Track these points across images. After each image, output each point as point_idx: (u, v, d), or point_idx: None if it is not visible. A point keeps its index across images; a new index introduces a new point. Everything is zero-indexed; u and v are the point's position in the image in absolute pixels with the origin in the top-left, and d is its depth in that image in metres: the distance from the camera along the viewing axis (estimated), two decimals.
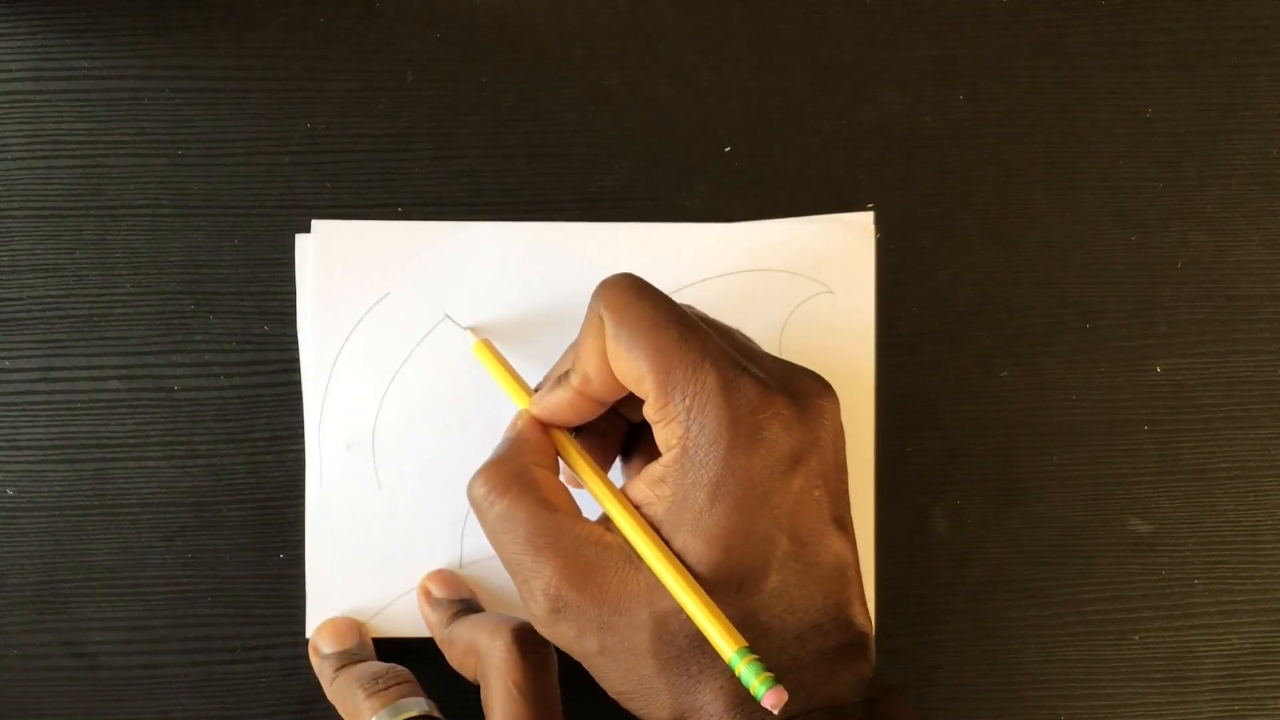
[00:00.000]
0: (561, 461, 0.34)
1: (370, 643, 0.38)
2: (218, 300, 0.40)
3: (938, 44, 0.41)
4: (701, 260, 0.40)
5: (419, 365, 0.39)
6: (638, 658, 0.29)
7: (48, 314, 0.40)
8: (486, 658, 0.34)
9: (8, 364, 0.40)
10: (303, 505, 0.39)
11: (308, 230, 0.40)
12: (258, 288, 0.40)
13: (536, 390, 0.35)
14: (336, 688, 0.36)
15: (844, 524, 0.31)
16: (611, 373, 0.31)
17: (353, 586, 0.39)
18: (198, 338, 0.40)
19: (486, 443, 0.39)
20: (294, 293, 0.40)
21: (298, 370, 0.39)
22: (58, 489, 0.39)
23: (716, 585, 0.29)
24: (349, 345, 0.39)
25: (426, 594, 0.38)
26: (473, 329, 0.39)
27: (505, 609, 0.39)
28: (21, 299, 0.40)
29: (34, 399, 0.39)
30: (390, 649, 0.39)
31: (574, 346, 0.33)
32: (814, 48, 0.41)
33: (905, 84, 0.41)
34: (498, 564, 0.39)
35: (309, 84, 0.40)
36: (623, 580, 0.30)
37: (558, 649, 0.32)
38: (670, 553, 0.29)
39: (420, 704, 0.35)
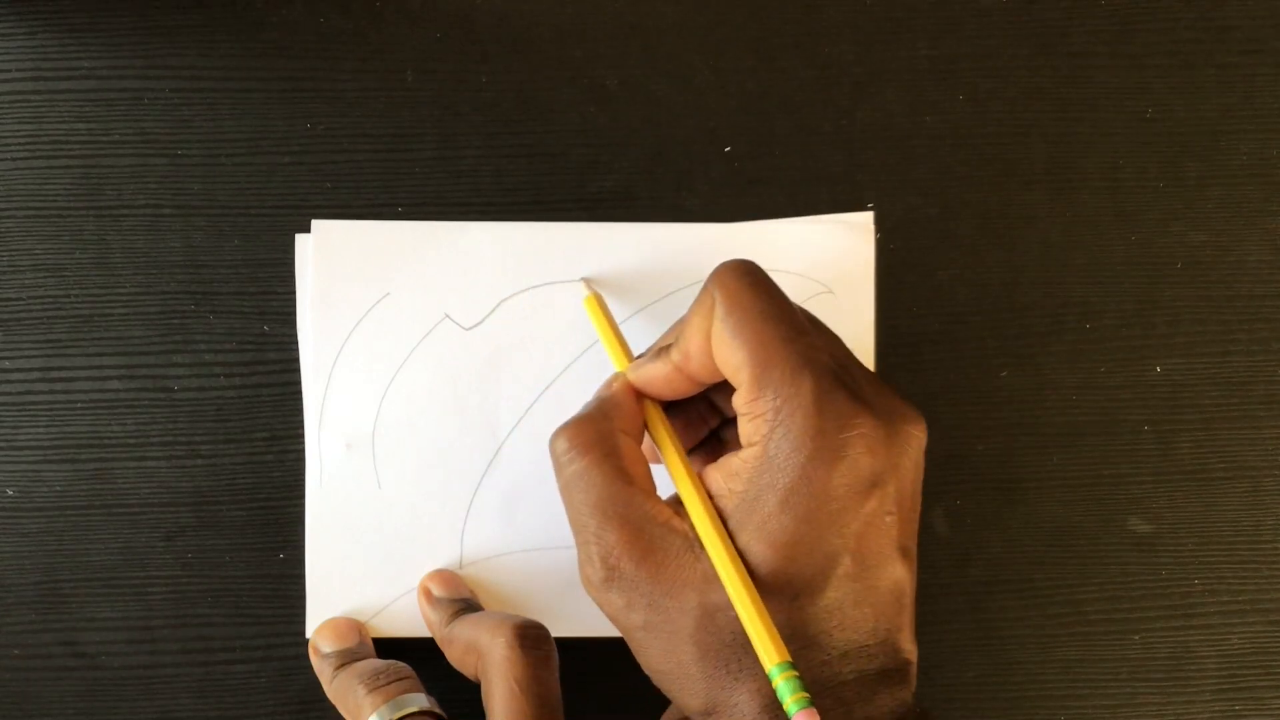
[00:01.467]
0: (647, 435, 0.34)
1: (370, 642, 0.38)
2: (218, 300, 0.40)
3: (938, 44, 0.41)
4: (701, 260, 0.40)
5: (419, 365, 0.39)
6: (680, 642, 0.29)
7: (48, 314, 0.40)
8: (487, 655, 0.34)
9: (8, 364, 0.40)
10: (303, 505, 0.39)
11: (308, 230, 0.40)
12: (258, 288, 0.40)
13: (639, 358, 0.34)
14: (337, 686, 0.36)
15: (909, 553, 0.31)
16: (711, 355, 0.31)
17: (353, 586, 0.39)
18: (198, 338, 0.40)
19: (487, 442, 0.39)
20: (294, 293, 0.40)
21: (298, 370, 0.39)
22: (58, 489, 0.39)
23: (772, 590, 0.29)
24: (349, 345, 0.39)
25: (426, 594, 0.38)
26: (587, 280, 0.39)
27: (505, 608, 0.39)
28: (21, 299, 0.40)
29: (34, 399, 0.39)
30: (390, 649, 0.39)
31: (682, 321, 0.32)
32: (814, 48, 0.41)
33: (905, 84, 0.41)
34: (498, 564, 0.39)
35: (309, 84, 0.40)
36: (680, 565, 0.30)
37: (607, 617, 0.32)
38: (732, 548, 0.29)
39: (421, 700, 0.35)
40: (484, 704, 0.34)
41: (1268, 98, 0.41)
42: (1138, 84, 0.41)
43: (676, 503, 0.31)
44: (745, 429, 0.30)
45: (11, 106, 0.40)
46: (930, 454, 0.41)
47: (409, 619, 0.39)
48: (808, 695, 0.27)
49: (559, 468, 0.32)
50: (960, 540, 0.41)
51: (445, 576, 0.39)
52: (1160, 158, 0.41)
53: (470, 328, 0.39)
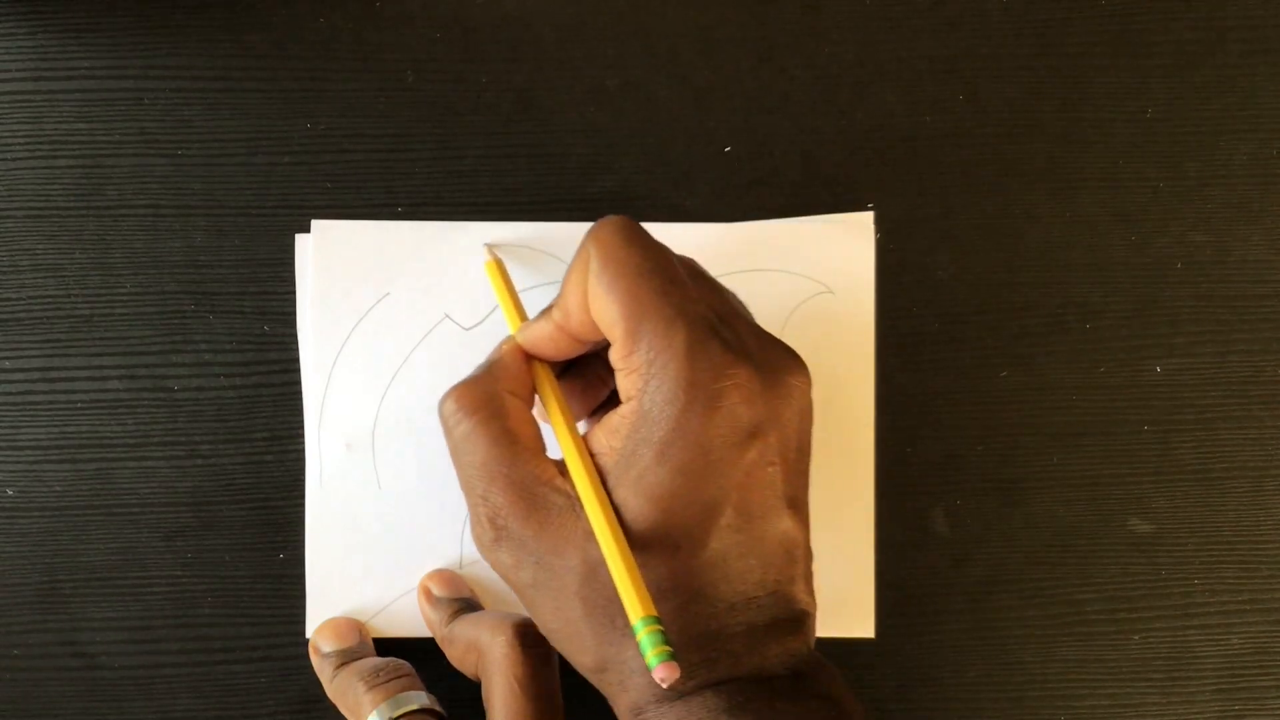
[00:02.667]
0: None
1: (370, 642, 0.38)
2: (218, 300, 0.40)
3: (938, 44, 0.41)
4: (701, 260, 0.40)
5: (419, 365, 0.39)
6: (567, 599, 0.29)
7: (48, 314, 0.40)
8: (487, 654, 0.34)
9: (8, 364, 0.40)
10: (303, 505, 0.39)
11: (308, 230, 0.40)
12: (258, 288, 0.40)
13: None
14: (337, 685, 0.36)
15: (797, 504, 0.31)
16: (590, 312, 0.31)
17: (353, 586, 0.39)
18: (198, 338, 0.40)
19: None
20: (294, 293, 0.40)
21: (298, 370, 0.39)
22: (58, 489, 0.39)
23: (651, 543, 0.29)
24: (349, 345, 0.39)
25: (427, 593, 0.38)
26: (490, 245, 0.39)
27: (505, 608, 0.39)
28: (21, 299, 0.40)
29: (34, 399, 0.39)
30: (390, 649, 0.39)
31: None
32: (814, 48, 0.41)
33: (905, 84, 0.41)
34: None
35: (309, 84, 0.40)
36: (563, 523, 0.30)
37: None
38: (607, 505, 0.29)
39: (421, 697, 0.35)
40: (484, 703, 0.34)
41: (1268, 98, 0.41)
42: (1138, 84, 0.41)
43: (564, 464, 0.31)
44: (622, 384, 0.30)
45: (11, 106, 0.40)
46: (930, 454, 0.41)
47: (409, 619, 0.39)
48: (669, 649, 0.27)
49: (447, 430, 0.32)
50: (960, 540, 0.41)
51: (445, 576, 0.39)
52: (1160, 158, 0.41)
53: (470, 328, 0.39)
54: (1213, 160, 0.41)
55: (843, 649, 0.40)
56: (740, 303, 0.34)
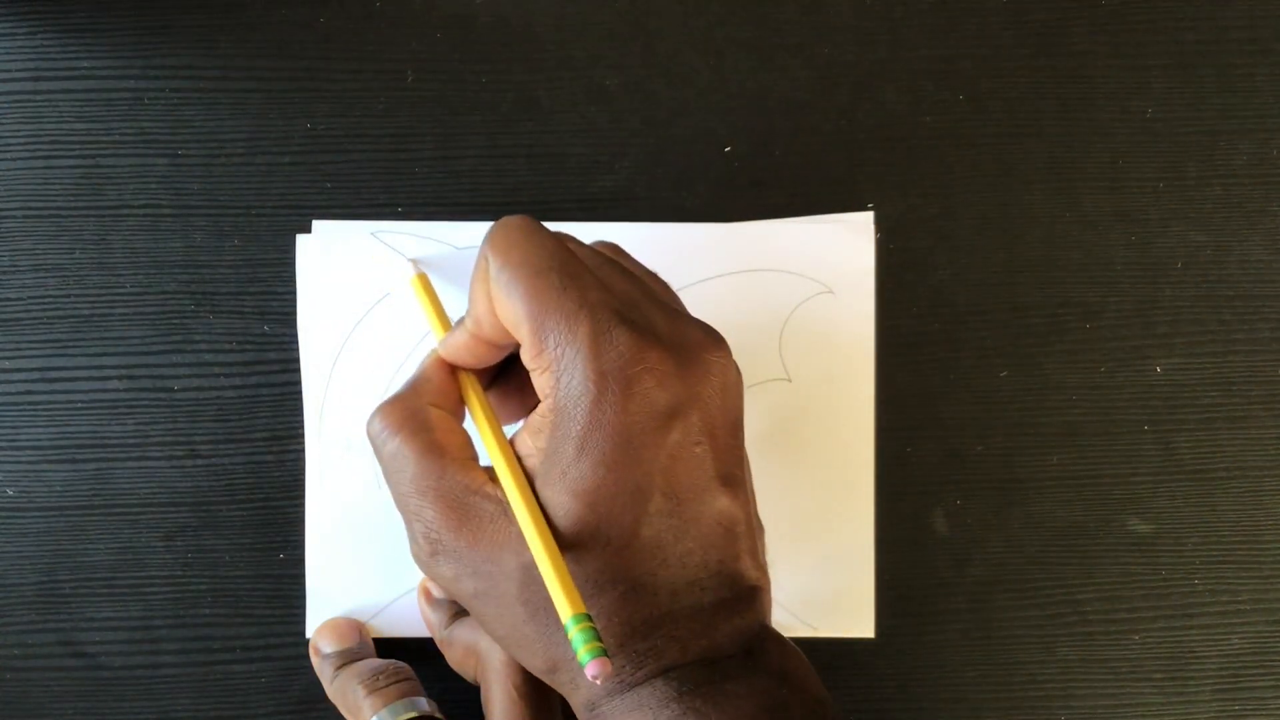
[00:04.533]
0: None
1: (371, 642, 0.38)
2: (218, 300, 0.40)
3: (938, 44, 0.41)
4: (701, 260, 0.40)
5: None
6: (509, 605, 0.29)
7: (48, 314, 0.40)
8: (486, 660, 0.34)
9: (8, 364, 0.40)
10: (303, 505, 0.39)
11: (308, 230, 0.40)
12: (258, 288, 0.40)
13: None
14: (337, 686, 0.36)
15: (732, 481, 0.30)
16: (497, 316, 0.30)
17: (353, 586, 0.39)
18: (198, 338, 0.40)
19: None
20: (294, 293, 0.40)
21: (298, 370, 0.39)
22: (58, 489, 0.39)
23: (581, 539, 0.28)
24: (349, 345, 0.39)
25: (427, 594, 0.38)
26: (415, 260, 0.39)
27: None
28: (21, 299, 0.40)
29: (34, 399, 0.39)
30: (390, 649, 0.39)
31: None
32: (814, 48, 0.41)
33: (905, 84, 0.41)
34: None
35: (309, 84, 0.40)
36: (496, 529, 0.29)
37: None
38: (534, 506, 0.29)
39: (421, 704, 0.35)
40: (483, 708, 0.34)
41: (1268, 98, 0.41)
42: (1138, 84, 0.41)
43: (493, 471, 0.31)
44: (538, 384, 0.30)
45: (11, 106, 0.40)
46: (930, 454, 0.41)
47: (409, 619, 0.39)
48: (599, 645, 0.26)
49: (376, 450, 0.32)
50: (960, 540, 0.41)
51: None
52: (1160, 158, 0.41)
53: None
54: (1213, 160, 0.41)
55: (843, 649, 0.40)
56: (661, 285, 0.33)
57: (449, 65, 0.40)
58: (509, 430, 0.32)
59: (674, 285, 0.39)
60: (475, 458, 0.31)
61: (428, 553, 0.30)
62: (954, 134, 0.41)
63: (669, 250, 0.40)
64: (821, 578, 0.40)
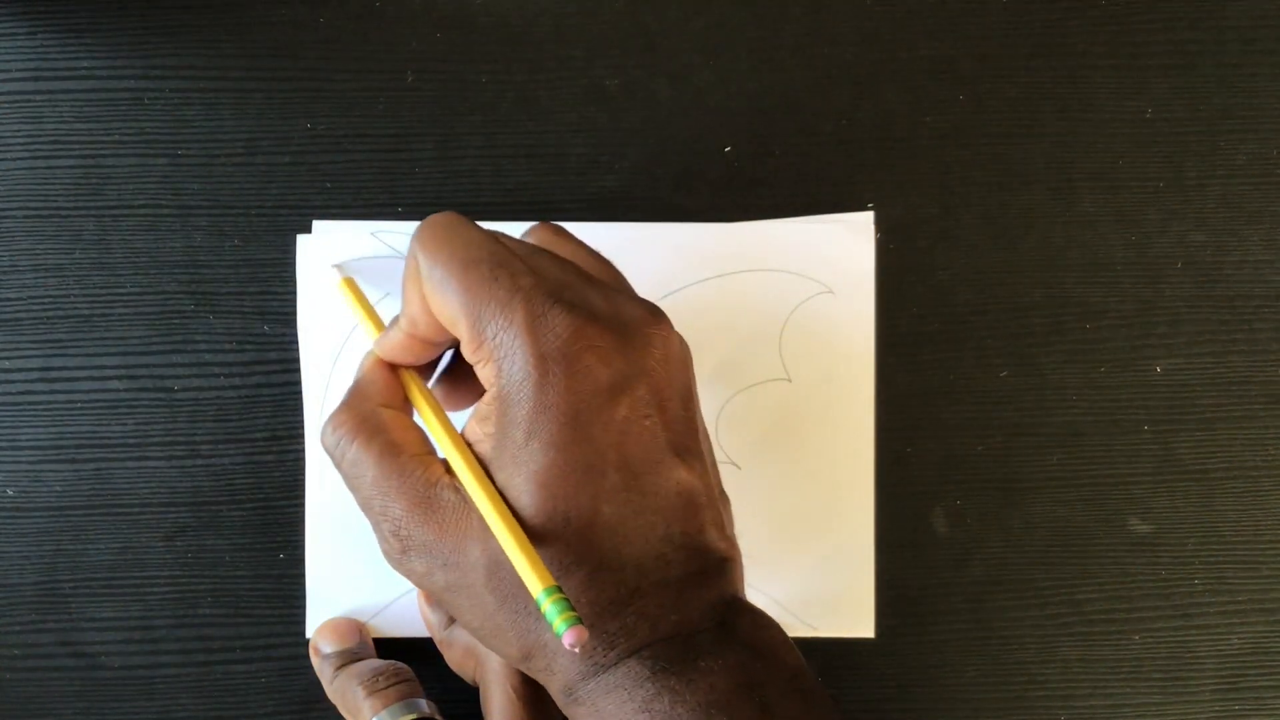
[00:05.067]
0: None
1: (371, 643, 0.38)
2: (218, 300, 0.40)
3: (938, 44, 0.41)
4: (701, 260, 0.40)
5: None
6: (479, 595, 0.29)
7: (48, 314, 0.40)
8: (485, 661, 0.34)
9: (8, 364, 0.40)
10: (303, 505, 0.39)
11: (308, 230, 0.40)
12: (258, 288, 0.40)
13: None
14: (336, 686, 0.36)
15: (687, 452, 0.30)
16: (432, 314, 0.30)
17: (353, 586, 0.39)
18: (198, 338, 0.40)
19: None
20: (294, 293, 0.40)
21: (298, 370, 0.39)
22: (58, 489, 0.39)
23: (541, 520, 0.28)
24: (349, 345, 0.39)
25: (426, 595, 0.38)
26: (339, 266, 0.39)
27: None
28: (21, 299, 0.40)
29: (34, 399, 0.39)
30: (390, 649, 0.39)
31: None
32: (814, 48, 0.41)
33: (905, 84, 0.41)
34: None
35: (309, 84, 0.40)
36: (459, 520, 0.29)
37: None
38: (492, 491, 0.29)
39: (420, 705, 0.35)
40: (482, 710, 0.34)
41: (1268, 98, 0.41)
42: (1138, 84, 0.41)
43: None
44: (483, 375, 0.30)
45: (11, 106, 0.40)
46: (930, 454, 0.41)
47: (409, 619, 0.39)
48: (574, 614, 0.26)
49: (336, 460, 0.32)
50: (960, 540, 0.41)
51: None
52: (1160, 158, 0.41)
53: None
54: (1213, 160, 0.41)
55: (843, 649, 0.40)
56: (601, 264, 0.33)
57: (449, 65, 0.40)
58: (458, 422, 0.32)
59: (674, 285, 0.40)
60: (433, 452, 0.31)
61: (399, 550, 0.30)
62: (954, 134, 0.41)
63: (669, 250, 0.40)
64: (821, 578, 0.40)
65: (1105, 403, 0.41)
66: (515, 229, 0.39)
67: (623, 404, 0.29)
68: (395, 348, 0.32)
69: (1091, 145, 0.41)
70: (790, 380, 0.40)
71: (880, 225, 0.40)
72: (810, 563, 0.40)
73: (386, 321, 0.34)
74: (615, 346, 0.29)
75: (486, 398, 0.30)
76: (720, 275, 0.40)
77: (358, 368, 0.33)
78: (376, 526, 0.31)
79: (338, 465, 0.32)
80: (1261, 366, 0.41)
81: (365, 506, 0.31)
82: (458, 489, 0.30)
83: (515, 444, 0.29)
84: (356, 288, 0.38)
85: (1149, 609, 0.41)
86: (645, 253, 0.40)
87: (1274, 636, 0.41)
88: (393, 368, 0.33)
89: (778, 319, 0.40)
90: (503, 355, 0.29)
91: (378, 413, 0.32)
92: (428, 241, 0.30)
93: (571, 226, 0.39)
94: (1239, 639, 0.41)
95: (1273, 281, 0.41)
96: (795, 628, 0.40)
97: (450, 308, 0.29)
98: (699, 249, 0.40)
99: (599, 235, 0.40)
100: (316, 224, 0.39)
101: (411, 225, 0.39)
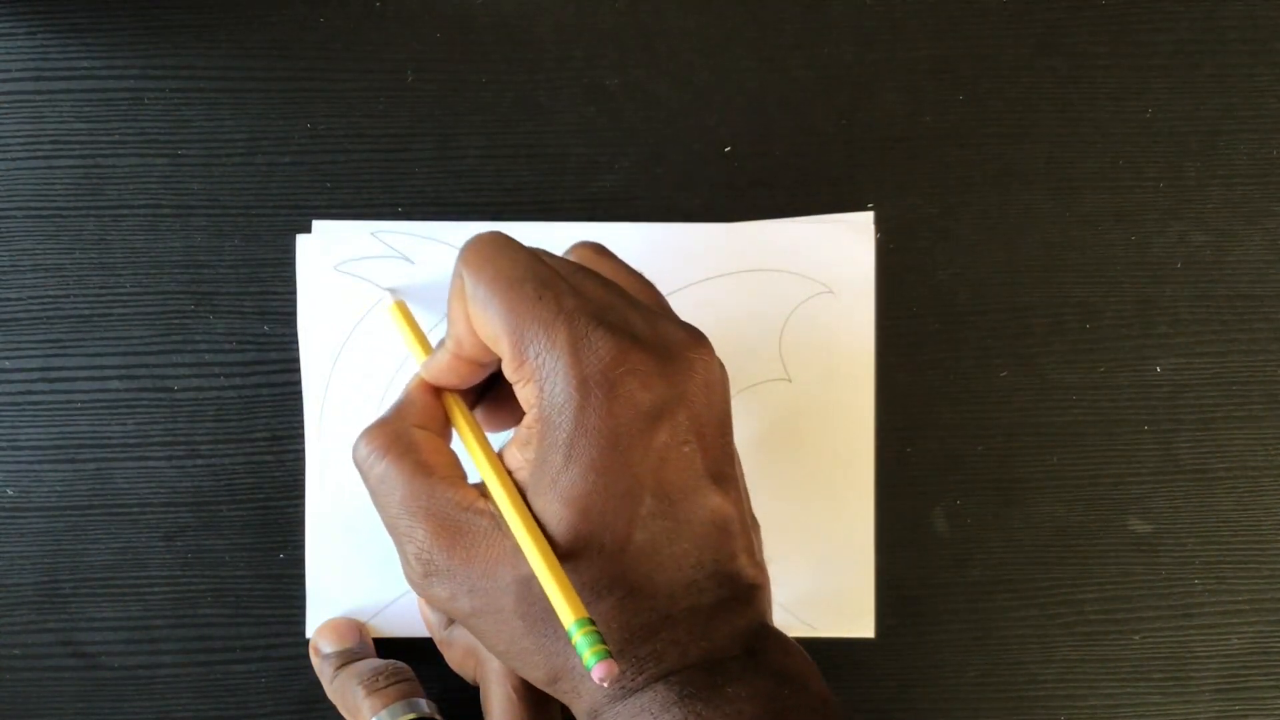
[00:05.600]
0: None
1: (371, 643, 0.38)
2: (218, 300, 0.40)
3: (938, 44, 0.41)
4: (701, 260, 0.40)
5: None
6: (507, 619, 0.29)
7: (48, 314, 0.40)
8: (485, 662, 0.34)
9: (8, 364, 0.40)
10: (303, 505, 0.39)
11: (308, 230, 0.40)
12: (258, 288, 0.40)
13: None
14: (336, 686, 0.36)
15: (723, 479, 0.30)
16: (476, 334, 0.30)
17: (353, 586, 0.39)
18: (198, 338, 0.40)
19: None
20: (294, 293, 0.40)
21: (298, 370, 0.39)
22: (58, 489, 0.39)
23: (575, 547, 0.28)
24: (349, 345, 0.39)
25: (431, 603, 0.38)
26: (392, 290, 0.39)
27: None
28: (21, 299, 0.40)
29: (34, 399, 0.39)
30: (391, 649, 0.39)
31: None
32: (814, 48, 0.41)
33: (905, 84, 0.41)
34: None
35: (309, 84, 0.40)
36: (490, 545, 0.29)
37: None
38: (528, 517, 0.29)
39: (420, 705, 0.35)
40: (483, 709, 0.34)
41: (1268, 98, 0.41)
42: (1138, 84, 0.41)
43: (484, 487, 0.31)
44: (522, 396, 0.30)
45: (11, 106, 0.40)
46: (930, 454, 0.41)
47: (409, 619, 0.39)
48: (605, 647, 0.26)
49: (364, 475, 0.32)
50: (960, 540, 0.41)
51: None
52: (1160, 158, 0.41)
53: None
54: (1213, 160, 0.41)
55: (843, 649, 0.40)
56: (642, 285, 0.33)
57: (449, 65, 0.40)
58: (496, 444, 0.32)
59: (674, 285, 0.40)
60: (464, 476, 0.31)
61: (420, 574, 0.30)
62: (954, 134, 0.41)
63: (669, 250, 0.40)
64: (821, 578, 0.40)
65: (1105, 403, 0.41)
66: (516, 229, 0.39)
67: (663, 430, 0.29)
68: (441, 370, 0.32)
69: (1091, 145, 0.41)
70: (790, 380, 0.40)
71: (880, 225, 0.40)
72: (810, 563, 0.40)
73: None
74: (657, 371, 0.29)
75: (527, 420, 0.30)
76: (720, 275, 0.40)
77: (404, 389, 0.33)
78: (400, 548, 0.31)
79: (366, 480, 0.32)
80: (1261, 366, 0.41)
81: (391, 527, 0.31)
82: (490, 514, 0.30)
83: (554, 467, 0.29)
84: (408, 312, 0.37)
85: (1149, 609, 0.41)
86: (645, 253, 0.40)
87: (1274, 636, 0.41)
88: (436, 392, 0.33)
89: (778, 319, 0.40)
90: (544, 377, 0.29)
91: (411, 432, 0.32)
92: (472, 260, 0.30)
93: (572, 226, 0.40)
94: (1239, 639, 0.41)
95: (1273, 281, 0.41)
96: (795, 628, 0.40)
97: (493, 326, 0.29)
98: (699, 249, 0.40)
99: (599, 235, 0.40)
100: (316, 224, 0.39)
101: (411, 225, 0.39)
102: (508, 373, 0.30)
